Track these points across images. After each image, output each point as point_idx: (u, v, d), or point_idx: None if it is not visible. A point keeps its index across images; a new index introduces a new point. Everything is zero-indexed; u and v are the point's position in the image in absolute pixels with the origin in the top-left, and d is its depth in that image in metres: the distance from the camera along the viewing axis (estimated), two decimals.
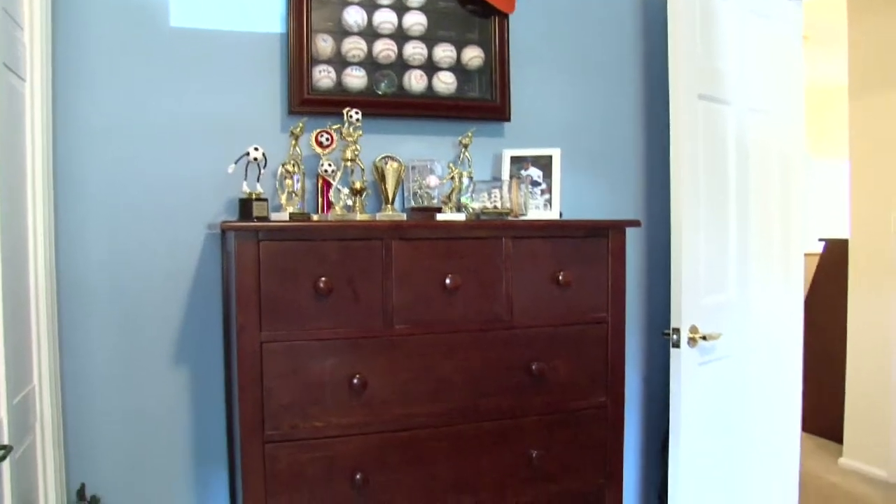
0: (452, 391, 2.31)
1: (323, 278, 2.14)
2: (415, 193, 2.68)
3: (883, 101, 4.42)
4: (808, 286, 5.32)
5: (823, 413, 5.16)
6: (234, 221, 2.19)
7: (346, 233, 2.18)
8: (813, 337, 5.28)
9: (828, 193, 5.97)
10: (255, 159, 2.34)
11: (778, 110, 3.24)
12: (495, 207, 2.51)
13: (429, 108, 2.73)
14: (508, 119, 2.82)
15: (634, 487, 3.22)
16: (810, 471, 4.61)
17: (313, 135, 2.52)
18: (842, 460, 4.75)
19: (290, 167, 2.42)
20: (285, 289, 2.12)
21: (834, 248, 5.12)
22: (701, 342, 2.71)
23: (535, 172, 2.72)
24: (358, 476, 2.20)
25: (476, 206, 2.50)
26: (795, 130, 3.38)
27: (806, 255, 3.78)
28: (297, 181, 2.45)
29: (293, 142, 2.49)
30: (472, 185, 2.55)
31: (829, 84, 5.51)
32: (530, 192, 2.69)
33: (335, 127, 2.48)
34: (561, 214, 2.75)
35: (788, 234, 3.35)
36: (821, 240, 5.32)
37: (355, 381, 2.18)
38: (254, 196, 2.32)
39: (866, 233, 4.56)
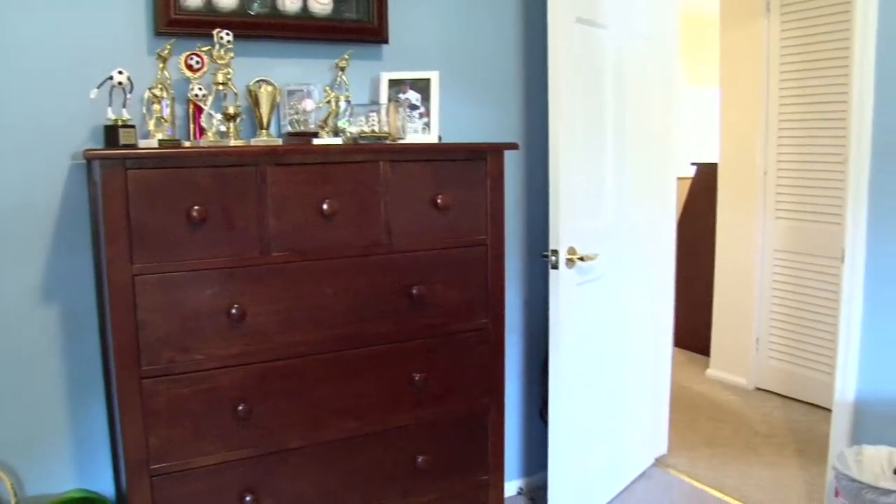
0: (334, 317, 2.31)
1: (196, 207, 2.07)
2: (291, 118, 2.62)
3: (751, 31, 4.58)
4: (680, 209, 5.55)
5: (694, 329, 5.46)
6: (99, 149, 2.08)
7: (220, 159, 2.11)
8: (685, 258, 5.54)
9: (701, 119, 6.18)
10: (120, 83, 2.22)
11: (654, 36, 3.32)
12: (373, 131, 2.48)
13: (304, 30, 2.64)
14: (386, 41, 2.77)
15: (517, 406, 3.33)
16: (681, 382, 4.89)
17: (182, 57, 2.41)
18: (708, 371, 5.06)
19: (158, 92, 2.31)
20: (157, 218, 2.04)
21: (704, 172, 5.34)
22: (579, 263, 2.80)
23: (413, 96, 2.70)
24: (241, 407, 2.19)
25: (353, 130, 2.47)
26: (671, 57, 3.47)
27: (679, 178, 3.93)
28: (167, 106, 2.35)
29: (161, 65, 2.37)
30: (349, 109, 2.51)
31: (704, 13, 5.65)
32: (409, 116, 2.67)
33: (205, 49, 2.37)
34: (440, 138, 2.75)
35: (663, 159, 3.47)
36: (693, 164, 5.53)
37: (234, 311, 2.15)
38: (120, 122, 2.20)
39: (733, 157, 4.78)
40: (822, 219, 4.30)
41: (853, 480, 2.53)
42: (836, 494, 2.64)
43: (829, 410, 3.00)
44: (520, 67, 3.13)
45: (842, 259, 2.87)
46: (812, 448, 3.84)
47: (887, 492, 2.45)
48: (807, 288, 4.44)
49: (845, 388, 2.88)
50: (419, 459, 2.51)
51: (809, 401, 4.47)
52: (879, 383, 2.78)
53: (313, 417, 2.32)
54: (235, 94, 2.37)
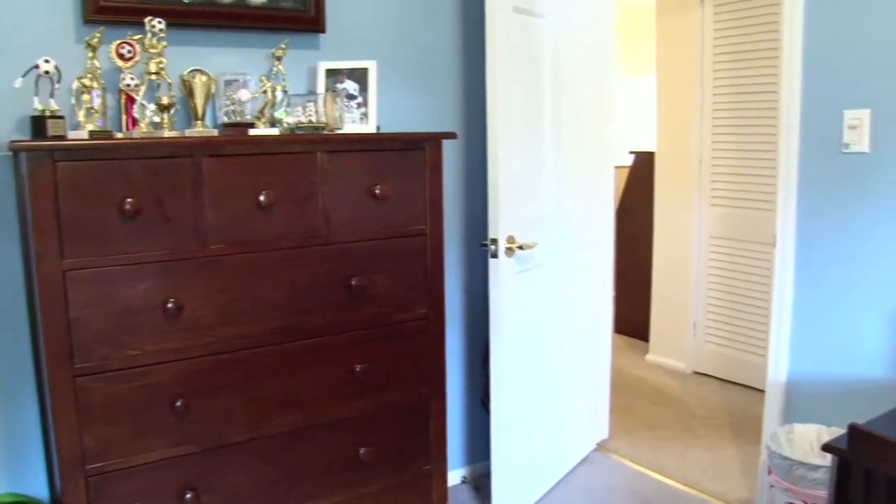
0: (273, 310, 2.29)
1: (129, 199, 2.03)
2: (227, 109, 2.57)
3: (685, 21, 4.66)
4: (619, 197, 5.63)
5: (633, 315, 5.56)
6: (26, 141, 2.02)
7: (153, 150, 2.07)
8: (624, 245, 5.64)
9: (638, 108, 6.27)
10: (47, 72, 2.15)
11: (590, 26, 3.35)
12: (310, 122, 2.45)
13: (239, 19, 2.60)
14: (324, 30, 2.74)
15: (459, 395, 3.35)
16: (621, 367, 4.97)
17: (113, 46, 2.34)
18: (648, 356, 5.16)
19: (87, 81, 2.25)
20: (88, 212, 1.99)
21: (642, 160, 5.43)
22: (518, 251, 2.82)
23: (350, 86, 2.68)
24: (180, 402, 2.15)
25: (290, 120, 2.44)
26: (607, 46, 3.51)
27: (617, 167, 3.99)
28: (97, 97, 2.28)
29: (90, 54, 2.30)
30: (286, 100, 2.48)
31: (640, 3, 5.73)
32: (346, 106, 2.65)
33: (137, 37, 2.31)
34: (378, 128, 2.73)
35: (600, 147, 3.51)
36: (630, 152, 5.61)
37: (170, 304, 2.11)
38: (48, 113, 2.14)
39: (670, 146, 4.86)
40: (755, 205, 4.41)
41: (785, 458, 2.61)
42: (770, 472, 2.72)
43: (763, 392, 3.08)
44: (458, 56, 3.14)
45: (773, 245, 2.94)
46: (748, 428, 3.95)
47: (815, 467, 2.53)
48: (741, 273, 4.55)
49: (777, 369, 2.96)
50: (362, 451, 2.50)
51: (745, 383, 4.59)
52: (809, 364, 2.87)
53: (255, 411, 2.30)
54: (169, 84, 2.32)
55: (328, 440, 2.44)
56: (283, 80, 2.60)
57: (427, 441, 2.66)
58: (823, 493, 2.48)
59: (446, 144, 3.04)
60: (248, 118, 2.53)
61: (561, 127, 3.16)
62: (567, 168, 3.24)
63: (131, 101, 2.36)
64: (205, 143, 2.14)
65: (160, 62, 2.27)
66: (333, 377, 2.42)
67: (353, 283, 2.39)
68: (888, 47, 2.53)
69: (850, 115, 2.66)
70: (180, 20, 2.48)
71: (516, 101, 2.82)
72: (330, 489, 2.47)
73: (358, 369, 2.44)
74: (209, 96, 2.43)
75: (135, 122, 2.34)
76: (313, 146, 2.30)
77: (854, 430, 1.82)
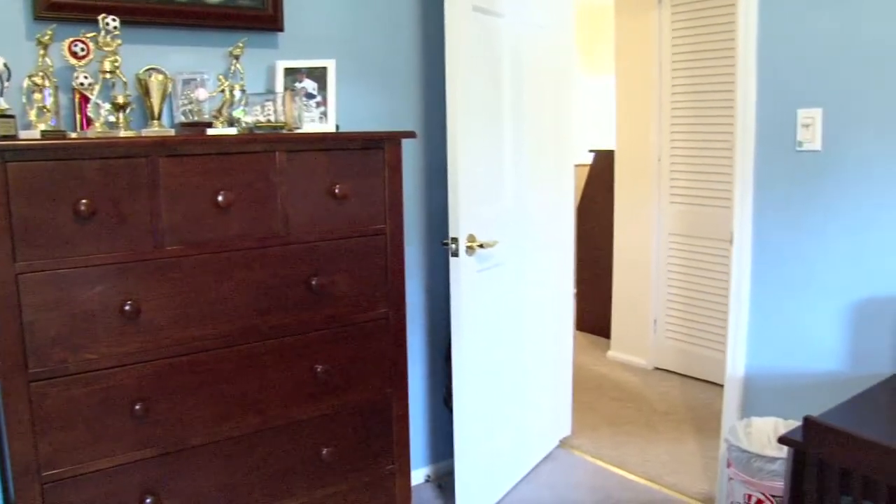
0: (233, 311, 2.26)
1: (84, 200, 1.99)
2: (184, 108, 2.54)
3: (643, 21, 4.71)
4: (579, 195, 5.67)
5: (595, 312, 5.60)
6: None
7: (108, 151, 2.04)
8: (585, 243, 5.68)
9: (598, 107, 6.32)
10: None
11: (550, 25, 3.37)
12: (269, 121, 2.44)
13: (196, 17, 2.57)
14: (282, 29, 2.72)
15: (422, 394, 3.35)
16: (583, 364, 5.01)
17: (66, 44, 2.30)
18: (609, 353, 5.20)
19: (39, 80, 2.20)
20: (41, 213, 1.95)
21: (601, 158, 5.47)
22: (479, 250, 2.83)
23: (309, 84, 2.67)
24: (138, 406, 2.12)
25: (249, 119, 2.42)
26: (567, 46, 3.54)
27: (577, 165, 4.02)
28: (49, 96, 2.24)
29: (41, 51, 2.26)
30: (244, 99, 2.45)
31: (600, 3, 5.78)
32: (305, 105, 2.63)
33: (90, 35, 2.27)
34: (338, 127, 2.72)
35: (560, 146, 3.53)
36: (590, 151, 5.65)
37: (127, 307, 2.08)
38: None
39: (629, 144, 4.91)
40: (712, 203, 4.47)
41: (743, 451, 2.65)
42: (729, 465, 2.76)
43: (722, 386, 3.13)
44: (418, 55, 3.14)
45: (731, 242, 2.99)
46: (707, 423, 4.00)
47: (772, 459, 2.57)
48: (700, 270, 4.61)
49: (735, 364, 3.00)
50: (324, 451, 2.49)
51: (705, 378, 4.66)
52: (766, 359, 2.92)
53: (215, 413, 2.27)
54: (124, 82, 2.28)
55: (290, 441, 2.43)
56: (242, 79, 2.58)
57: (390, 440, 2.65)
58: (780, 484, 2.52)
59: (407, 143, 3.04)
60: (206, 118, 2.51)
61: (521, 126, 3.18)
62: (527, 167, 3.25)
63: (85, 100, 2.32)
64: (161, 143, 2.11)
65: (115, 60, 2.23)
66: (294, 378, 2.40)
67: (313, 283, 2.38)
68: (839, 48, 2.58)
69: (803, 114, 2.71)
70: (136, 18, 2.44)
71: (476, 100, 2.83)
72: (292, 491, 2.45)
73: (319, 370, 2.43)
74: (166, 95, 2.40)
75: (89, 121, 2.30)
76: (272, 146, 2.28)
77: (809, 423, 1.85)
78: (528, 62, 3.19)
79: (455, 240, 2.75)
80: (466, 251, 2.78)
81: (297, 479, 2.46)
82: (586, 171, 5.67)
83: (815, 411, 2.19)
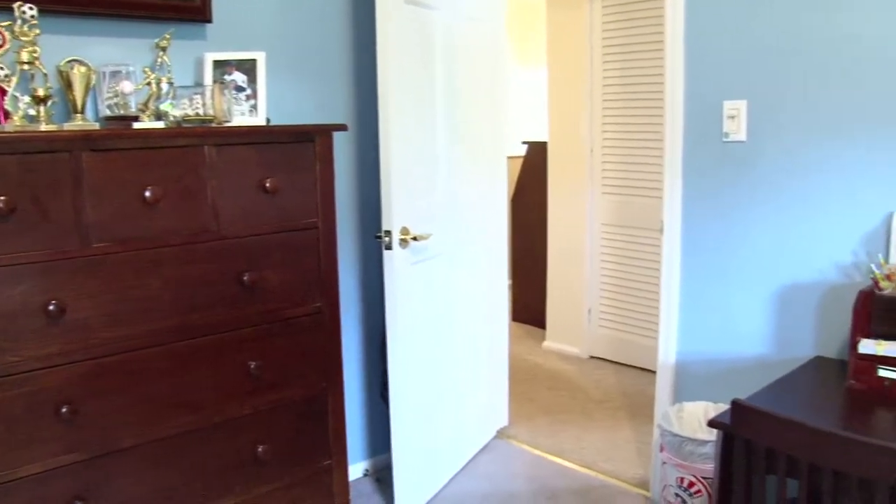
0: (163, 308, 2.22)
1: (2, 197, 1.92)
2: (109, 101, 2.47)
3: (575, 13, 4.75)
4: (513, 187, 5.71)
5: (530, 303, 5.65)
6: None
7: (28, 145, 1.97)
8: (519, 234, 5.73)
9: (532, 99, 6.37)
10: None
11: (483, 17, 3.38)
12: (197, 114, 2.39)
13: (120, 6, 2.49)
14: (210, 20, 2.67)
15: (358, 388, 3.33)
16: (519, 354, 5.06)
17: None
18: (545, 343, 5.26)
19: None
20: None
21: (535, 150, 5.51)
22: (412, 243, 2.82)
23: (239, 77, 2.62)
24: (65, 409, 2.06)
25: (177, 113, 2.37)
26: (499, 38, 3.55)
27: (511, 157, 4.04)
28: None
29: None
30: (171, 91, 2.40)
31: None
32: (235, 98, 2.59)
33: (6, 24, 2.19)
34: (268, 120, 2.68)
35: (494, 137, 3.55)
36: (524, 143, 5.69)
37: (52, 307, 2.02)
38: None
39: (561, 136, 4.96)
40: (644, 193, 4.55)
41: (675, 435, 2.71)
42: (662, 450, 2.82)
43: (655, 373, 3.19)
44: (350, 48, 3.11)
45: (661, 231, 3.05)
46: (642, 409, 4.08)
47: (703, 442, 2.64)
48: (632, 259, 4.69)
49: (667, 351, 3.07)
50: (260, 449, 2.46)
51: (639, 365, 4.75)
52: (697, 345, 2.99)
53: (147, 414, 2.22)
54: (45, 74, 2.21)
55: (224, 440, 2.39)
56: (169, 71, 2.52)
57: (326, 436, 2.64)
58: (711, 466, 2.58)
59: (339, 137, 3.02)
60: (133, 111, 2.44)
61: (454, 118, 3.18)
62: (461, 159, 3.26)
63: (2, 92, 2.23)
64: (84, 138, 2.05)
65: (33, 51, 2.16)
66: (227, 375, 2.37)
67: (245, 278, 2.34)
68: (762, 41, 2.65)
69: (728, 106, 2.77)
70: (54, 7, 2.35)
71: (409, 92, 2.82)
72: (228, 490, 2.42)
73: (253, 366, 2.40)
74: (89, 88, 2.33)
75: (7, 115, 2.22)
76: (201, 139, 2.24)
77: (736, 406, 1.90)
78: (461, 55, 3.20)
79: (388, 233, 2.74)
80: (400, 244, 2.77)
81: (234, 478, 2.43)
82: (520, 162, 5.71)
83: (744, 394, 2.25)
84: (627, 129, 4.59)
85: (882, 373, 2.19)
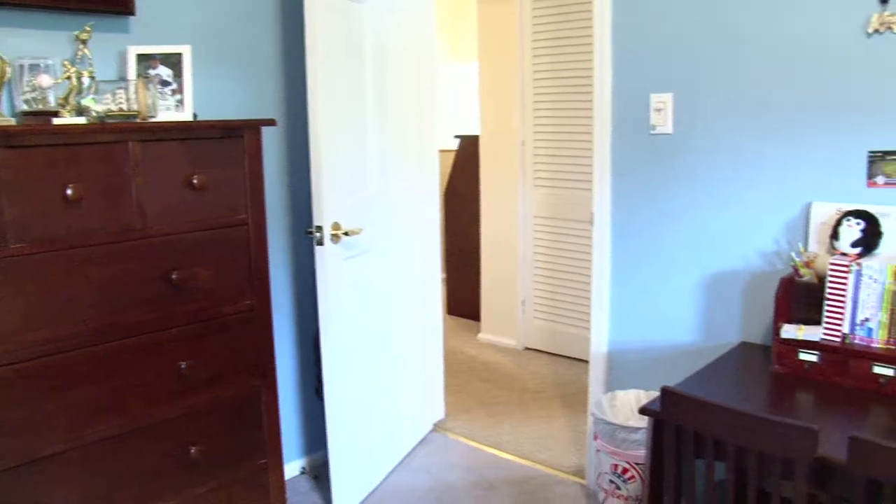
0: (87, 310, 2.15)
1: None
2: (27, 96, 2.38)
3: (506, 8, 4.78)
4: (445, 180, 5.72)
5: (465, 296, 5.68)
6: None
7: None
8: (452, 228, 5.74)
9: (464, 93, 6.39)
10: None
11: (413, 12, 3.37)
12: (121, 110, 2.32)
13: None
14: (133, 12, 2.59)
15: (293, 385, 3.30)
16: (455, 348, 5.07)
17: None
18: (480, 336, 5.29)
19: None
20: None
21: (467, 143, 5.53)
22: (344, 238, 2.81)
23: (164, 71, 2.56)
24: None
25: (99, 108, 2.30)
26: (429, 31, 3.54)
27: (443, 151, 4.05)
28: None
29: None
30: (93, 86, 2.33)
31: None
32: (160, 93, 2.53)
33: None
34: (195, 116, 2.63)
35: (424, 131, 3.54)
36: (456, 136, 5.70)
37: None
38: None
39: (493, 130, 4.99)
40: (575, 185, 4.61)
41: (608, 423, 2.75)
42: (596, 438, 2.87)
43: (588, 363, 3.23)
44: (278, 42, 3.07)
45: (591, 223, 3.09)
46: (576, 399, 4.14)
47: (635, 429, 2.69)
48: (564, 251, 4.75)
49: (600, 341, 3.12)
50: (193, 450, 2.42)
51: (573, 356, 4.81)
52: (628, 334, 3.04)
53: (72, 419, 2.15)
54: None
55: (156, 442, 2.33)
56: (90, 65, 2.44)
57: (261, 434, 2.61)
58: (643, 452, 2.64)
59: (270, 132, 2.98)
60: (52, 106, 2.36)
61: (385, 112, 3.17)
62: (392, 153, 3.25)
63: None
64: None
65: None
66: (157, 376, 2.31)
67: (173, 277, 2.29)
68: (687, 36, 2.71)
69: (655, 99, 2.82)
70: None
71: (338, 86, 2.80)
72: (161, 493, 2.36)
73: (183, 366, 2.35)
74: (3, 82, 2.24)
75: None
76: (125, 135, 2.18)
77: (665, 393, 1.94)
78: (390, 48, 3.18)
79: (319, 228, 2.72)
80: (331, 239, 2.75)
81: (166, 481, 2.38)
82: (452, 156, 5.72)
83: (674, 381, 2.31)
84: (558, 122, 4.64)
85: (803, 356, 2.26)
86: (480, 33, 5.00)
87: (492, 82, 4.96)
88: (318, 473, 3.36)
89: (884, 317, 2.15)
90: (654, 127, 2.84)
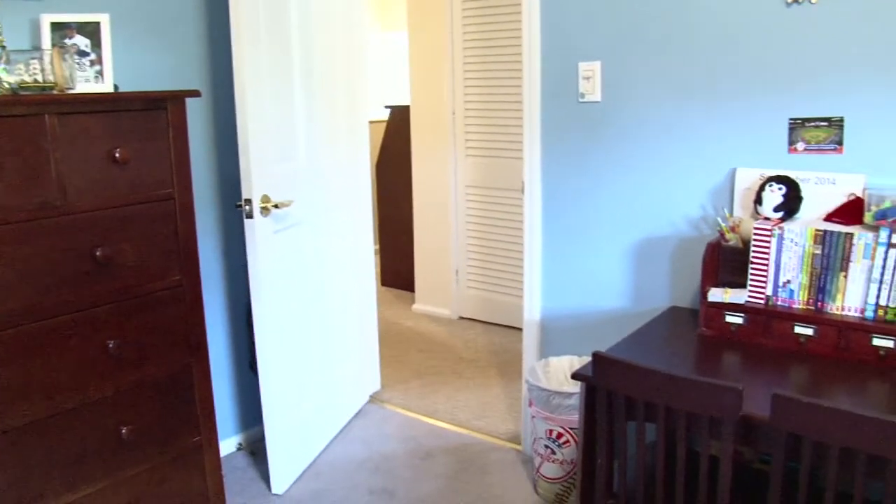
0: (7, 291, 2.07)
1: None
2: None
3: None
4: (377, 151, 5.68)
5: (399, 267, 5.68)
6: None
7: None
8: (385, 199, 5.72)
9: (395, 63, 6.33)
10: None
11: None
12: (36, 81, 2.23)
13: None
14: None
15: (226, 361, 3.26)
16: (390, 319, 5.08)
17: None
18: (415, 306, 5.30)
19: None
20: None
21: (398, 114, 5.50)
22: (274, 210, 2.77)
23: (81, 41, 2.46)
24: None
25: (12, 80, 2.20)
26: (356, 1, 3.49)
27: (373, 121, 4.01)
28: None
29: None
30: (4, 56, 2.23)
31: None
32: (78, 64, 2.43)
33: None
34: (116, 87, 2.54)
35: (354, 102, 3.50)
36: (386, 107, 5.66)
37: None
38: None
39: (424, 100, 4.96)
40: (506, 154, 4.63)
41: (542, 389, 2.79)
42: (531, 404, 2.91)
43: (522, 330, 3.27)
44: (202, 8, 2.98)
45: (522, 191, 3.11)
46: (511, 367, 4.19)
47: (569, 394, 2.74)
48: (496, 220, 4.78)
49: (532, 308, 3.15)
50: (124, 430, 2.36)
51: (506, 324, 4.86)
52: (560, 301, 3.08)
53: None
54: None
55: (84, 424, 2.27)
56: (0, 34, 2.33)
57: (193, 412, 2.57)
58: (577, 417, 2.69)
59: (195, 104, 2.91)
60: None
61: (312, 83, 3.11)
62: (321, 124, 3.20)
63: None
64: None
65: None
66: (84, 357, 2.25)
67: (97, 254, 2.22)
68: (613, 3, 2.72)
69: (584, 67, 2.84)
70: None
71: (264, 55, 2.73)
72: (92, 476, 2.31)
73: (111, 345, 2.29)
74: None
75: None
76: (41, 108, 2.09)
77: (597, 358, 1.98)
78: (317, 18, 3.12)
79: (248, 201, 2.67)
80: (261, 212, 2.71)
81: (97, 463, 2.32)
82: (383, 127, 5.67)
83: (605, 346, 2.35)
84: (489, 92, 4.64)
85: (729, 318, 2.33)
86: (410, 2, 4.95)
87: (421, 52, 4.93)
88: (255, 449, 3.34)
89: (804, 278, 2.23)
90: (583, 95, 2.86)
